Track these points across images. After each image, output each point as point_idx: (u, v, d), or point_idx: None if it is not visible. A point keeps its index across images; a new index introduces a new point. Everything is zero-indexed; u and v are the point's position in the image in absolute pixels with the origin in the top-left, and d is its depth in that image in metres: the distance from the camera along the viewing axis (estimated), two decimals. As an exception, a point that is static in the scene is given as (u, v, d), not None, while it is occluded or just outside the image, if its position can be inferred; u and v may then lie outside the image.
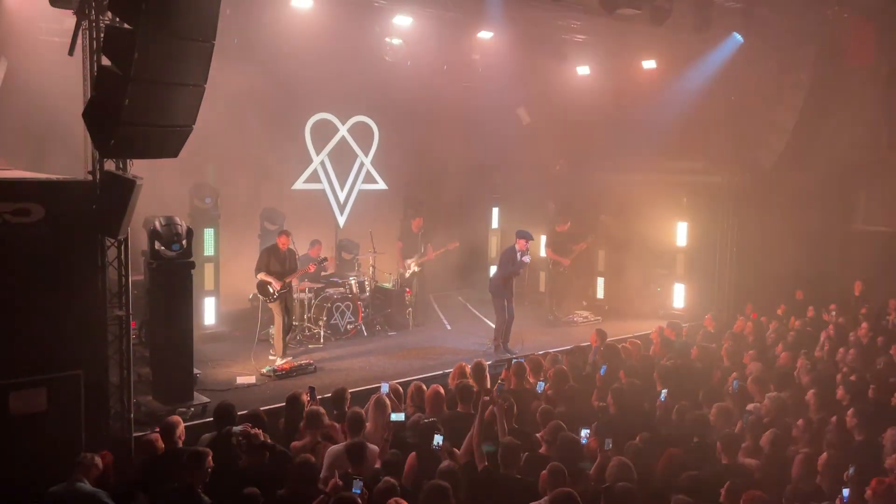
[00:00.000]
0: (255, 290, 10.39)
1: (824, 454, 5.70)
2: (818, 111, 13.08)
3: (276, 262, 10.24)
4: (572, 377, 7.99)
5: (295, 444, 6.27)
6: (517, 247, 11.13)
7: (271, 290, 10.11)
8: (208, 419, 7.48)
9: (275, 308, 10.26)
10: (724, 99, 12.95)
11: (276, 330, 10.32)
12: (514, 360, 8.54)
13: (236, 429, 6.00)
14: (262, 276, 10.15)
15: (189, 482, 5.29)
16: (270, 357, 10.18)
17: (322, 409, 6.55)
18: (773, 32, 12.53)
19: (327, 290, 11.78)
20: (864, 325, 10.26)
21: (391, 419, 6.23)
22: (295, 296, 11.24)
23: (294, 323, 10.93)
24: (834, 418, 6.75)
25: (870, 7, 12.14)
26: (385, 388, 7.04)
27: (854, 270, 12.90)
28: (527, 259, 11.18)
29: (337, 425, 6.52)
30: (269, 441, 5.95)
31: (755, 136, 13.58)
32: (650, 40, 13.09)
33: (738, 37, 11.97)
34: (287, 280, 10.23)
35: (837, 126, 12.65)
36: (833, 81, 12.93)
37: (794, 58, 13.09)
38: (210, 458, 5.42)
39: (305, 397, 6.96)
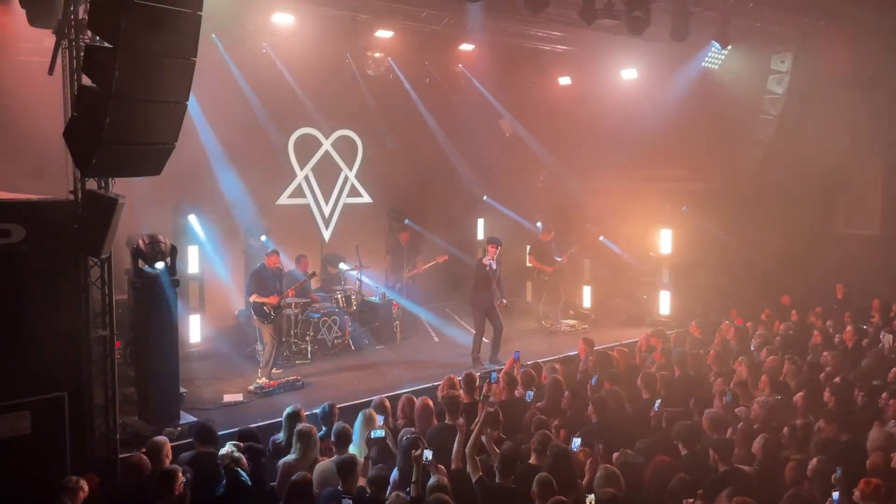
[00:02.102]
0: (252, 312, 10.32)
1: (814, 459, 5.72)
2: (797, 117, 13.26)
3: (266, 282, 10.19)
4: (566, 387, 7.99)
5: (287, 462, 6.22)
6: (488, 253, 11.18)
7: (267, 311, 10.06)
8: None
9: (266, 329, 10.19)
10: (705, 107, 13.07)
11: (266, 351, 10.21)
12: (499, 372, 8.53)
13: (227, 449, 5.92)
14: (254, 297, 10.09)
15: (167, 502, 5.23)
16: (258, 379, 10.10)
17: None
18: (750, 41, 12.69)
19: (314, 304, 11.74)
20: (849, 328, 10.35)
21: (370, 436, 6.19)
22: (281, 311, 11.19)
23: (282, 339, 10.87)
24: (820, 422, 6.81)
25: (845, 15, 12.33)
26: (381, 424, 6.90)
27: (836, 274, 13.03)
28: (492, 264, 11.09)
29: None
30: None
31: (736, 143, 13.72)
32: (630, 50, 13.23)
33: (717, 45, 12.11)
34: (282, 298, 10.20)
35: (816, 132, 12.81)
36: (811, 88, 13.11)
37: (772, 65, 13.27)
38: (181, 476, 5.37)
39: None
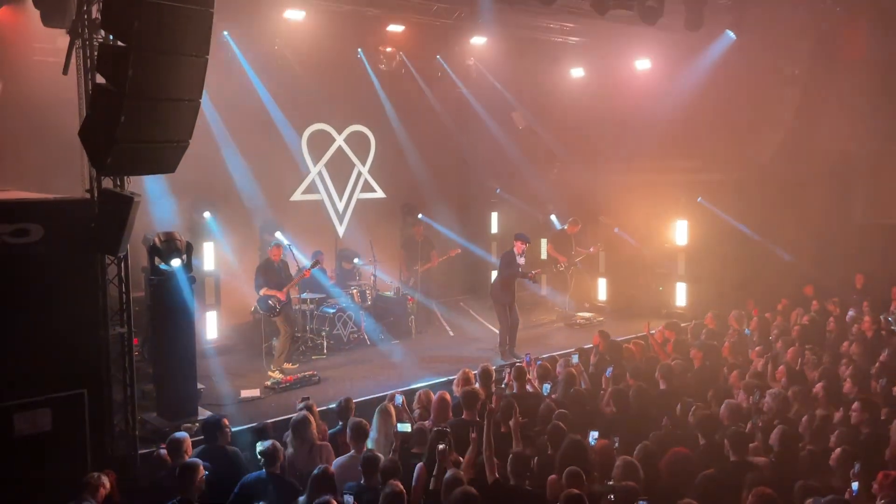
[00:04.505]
0: (257, 307, 10.39)
1: (837, 450, 5.66)
2: (814, 104, 13.11)
3: (273, 275, 10.28)
4: (580, 380, 7.97)
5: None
6: (515, 250, 11.14)
7: (272, 304, 10.13)
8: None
9: (279, 322, 10.28)
10: (720, 96, 12.95)
11: (280, 343, 10.30)
12: (516, 365, 8.51)
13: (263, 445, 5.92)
14: (263, 291, 10.17)
15: (186, 497, 5.27)
16: (270, 372, 10.14)
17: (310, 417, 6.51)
18: (765, 28, 12.56)
19: (329, 300, 11.78)
20: (868, 318, 10.24)
21: (398, 430, 6.19)
22: (297, 307, 11.25)
23: (297, 334, 10.93)
24: (839, 413, 6.75)
25: (859, 1, 12.18)
26: (399, 399, 7.04)
27: (855, 263, 12.88)
28: (522, 261, 11.17)
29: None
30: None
31: (752, 132, 13.59)
32: (643, 40, 13.13)
33: (731, 34, 11.99)
34: (286, 290, 10.26)
35: (834, 119, 12.65)
36: (828, 74, 12.95)
37: (787, 52, 13.11)
38: (202, 469, 5.40)
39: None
